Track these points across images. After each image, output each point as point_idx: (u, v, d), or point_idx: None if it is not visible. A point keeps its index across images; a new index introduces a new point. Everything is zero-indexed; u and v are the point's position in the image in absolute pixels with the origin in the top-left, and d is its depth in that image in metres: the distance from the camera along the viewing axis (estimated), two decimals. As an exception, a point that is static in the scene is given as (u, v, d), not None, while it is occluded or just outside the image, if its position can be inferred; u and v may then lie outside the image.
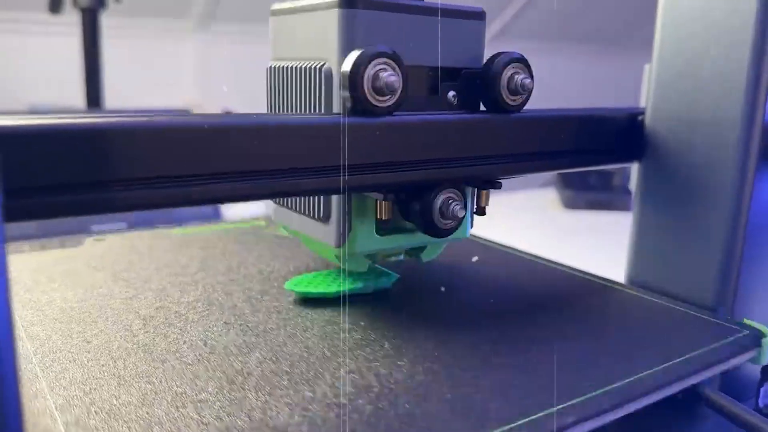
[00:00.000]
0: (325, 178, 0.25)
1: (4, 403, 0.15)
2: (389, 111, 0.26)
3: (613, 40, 2.26)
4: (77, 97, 1.07)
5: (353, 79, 0.25)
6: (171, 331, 0.28)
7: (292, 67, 0.30)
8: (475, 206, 0.32)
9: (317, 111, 0.29)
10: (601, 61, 2.32)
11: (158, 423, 0.21)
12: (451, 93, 0.30)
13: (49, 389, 0.23)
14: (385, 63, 0.26)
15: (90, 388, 0.23)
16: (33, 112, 1.03)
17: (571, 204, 1.01)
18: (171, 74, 1.56)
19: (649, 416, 0.28)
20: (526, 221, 0.94)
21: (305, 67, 0.29)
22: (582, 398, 0.23)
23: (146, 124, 0.21)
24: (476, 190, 0.31)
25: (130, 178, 0.21)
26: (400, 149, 0.26)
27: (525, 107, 0.30)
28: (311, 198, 0.30)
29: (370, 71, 0.25)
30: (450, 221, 0.29)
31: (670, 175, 0.34)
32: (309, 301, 0.32)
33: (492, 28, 2.04)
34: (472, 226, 0.33)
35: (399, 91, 0.26)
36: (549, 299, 0.33)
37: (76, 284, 0.34)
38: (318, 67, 0.28)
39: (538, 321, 0.30)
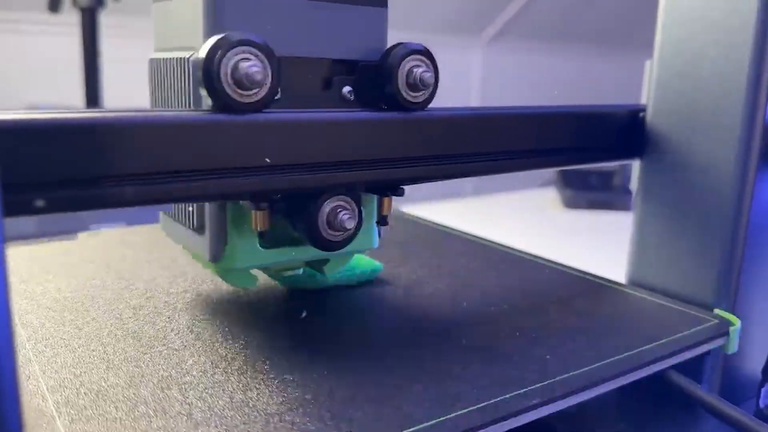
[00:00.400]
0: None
1: (3, 392, 0.16)
2: (257, 107, 0.23)
3: (613, 40, 2.27)
4: (76, 96, 1.08)
5: (208, 70, 0.22)
6: (159, 320, 0.29)
7: (165, 59, 0.27)
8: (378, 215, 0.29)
9: (188, 106, 0.26)
10: (601, 61, 2.33)
11: (144, 403, 0.22)
12: (347, 88, 0.27)
13: (41, 372, 0.24)
14: (248, 52, 0.23)
15: (80, 371, 0.24)
16: (33, 110, 1.04)
17: (571, 204, 1.01)
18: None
19: (645, 418, 0.29)
20: (526, 221, 0.95)
21: (175, 59, 0.26)
22: (547, 382, 0.24)
23: (144, 119, 0.21)
24: (377, 197, 0.29)
25: (128, 174, 0.21)
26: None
27: (430, 105, 0.27)
28: (186, 205, 0.28)
29: (228, 61, 0.22)
30: (339, 233, 0.26)
31: (671, 174, 0.34)
32: (294, 292, 0.33)
33: (492, 28, 2.05)
34: (380, 236, 0.30)
35: (268, 86, 0.23)
36: (549, 299, 0.34)
37: (70, 275, 0.35)
38: (186, 57, 0.25)
39: (537, 321, 0.30)
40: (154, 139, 0.21)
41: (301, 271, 0.31)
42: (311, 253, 0.28)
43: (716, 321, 0.30)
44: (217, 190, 0.22)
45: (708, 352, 0.30)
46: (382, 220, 0.29)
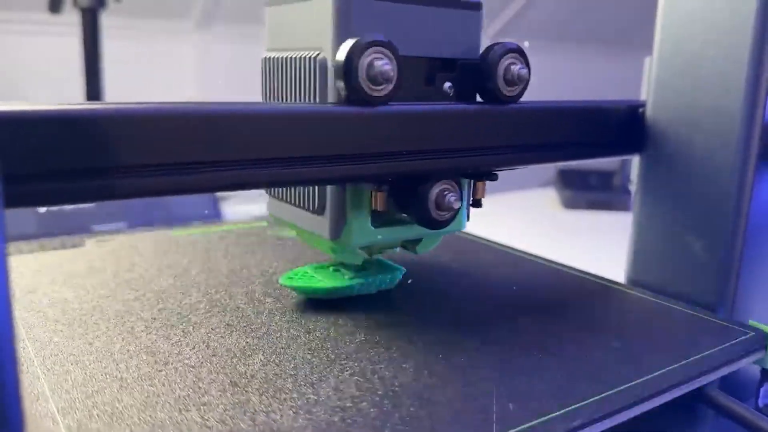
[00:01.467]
0: (319, 167, 0.25)
1: (6, 406, 0.15)
2: (385, 100, 0.26)
3: (613, 40, 2.26)
4: (77, 96, 1.06)
5: (347, 68, 0.25)
6: (173, 333, 0.28)
7: (286, 58, 0.30)
8: (471, 198, 0.31)
9: (312, 101, 0.28)
10: (601, 61, 2.32)
11: (161, 426, 0.21)
12: (447, 84, 0.30)
13: (51, 392, 0.23)
14: (379, 52, 0.26)
15: (92, 391, 0.23)
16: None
17: (570, 204, 1.01)
18: (171, 74, 1.56)
19: (650, 416, 0.28)
20: (526, 221, 0.94)
21: (300, 57, 0.29)
22: (589, 401, 0.23)
23: (145, 110, 0.21)
24: (472, 182, 0.31)
25: (129, 165, 0.21)
26: (395, 139, 0.26)
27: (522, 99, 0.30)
28: (306, 189, 0.30)
29: (364, 60, 0.25)
30: (446, 212, 0.28)
31: (670, 172, 0.34)
32: (312, 301, 0.32)
33: (492, 28, 2.05)
34: (468, 219, 0.33)
35: (394, 80, 0.26)
36: (549, 299, 0.33)
37: (78, 286, 0.34)
38: (313, 57, 0.28)
39: (538, 321, 0.30)
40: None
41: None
42: (413, 231, 0.31)
43: (752, 333, 0.29)
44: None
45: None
46: (476, 203, 0.31)
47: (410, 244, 0.33)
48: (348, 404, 0.22)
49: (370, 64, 0.25)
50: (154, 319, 0.30)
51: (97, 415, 0.21)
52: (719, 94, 0.31)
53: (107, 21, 1.08)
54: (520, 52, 0.29)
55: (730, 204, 0.31)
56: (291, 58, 0.29)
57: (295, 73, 0.29)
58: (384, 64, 0.25)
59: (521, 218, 0.97)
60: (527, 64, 0.29)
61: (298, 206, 0.31)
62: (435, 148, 0.27)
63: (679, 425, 0.29)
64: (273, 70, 0.31)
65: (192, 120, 0.22)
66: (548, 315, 0.31)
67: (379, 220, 0.30)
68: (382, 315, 0.31)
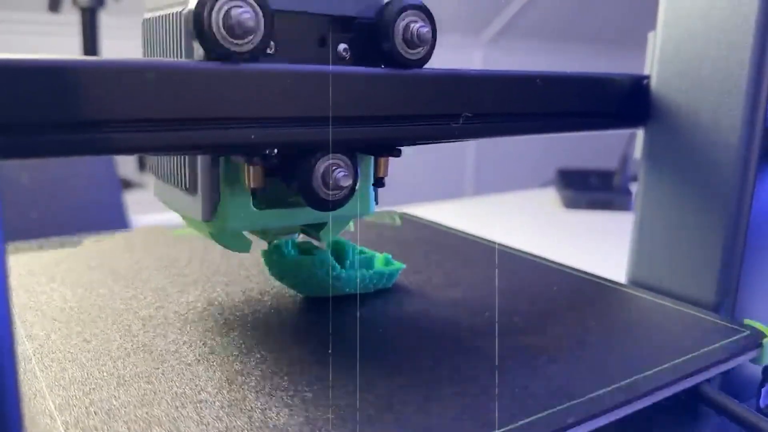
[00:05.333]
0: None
1: (4, 403, 0.15)
2: (249, 57, 0.23)
3: (613, 40, 2.26)
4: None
5: (199, 18, 0.22)
6: (170, 331, 0.28)
7: (158, 17, 0.27)
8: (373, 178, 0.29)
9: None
10: (601, 61, 2.32)
11: (158, 423, 0.21)
12: (342, 46, 0.27)
13: (48, 389, 0.23)
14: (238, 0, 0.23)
15: (89, 388, 0.23)
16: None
17: (571, 204, 1.01)
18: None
19: (649, 415, 0.28)
20: (526, 221, 0.94)
21: (167, 15, 0.26)
22: (584, 398, 0.23)
23: (135, 64, 0.20)
24: (374, 159, 0.28)
25: (116, 120, 0.20)
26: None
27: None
28: (179, 165, 0.27)
29: (220, 9, 0.22)
30: (336, 191, 0.26)
31: (671, 170, 0.34)
32: (309, 300, 0.32)
33: (492, 28, 2.05)
34: (377, 202, 0.30)
35: (261, 34, 0.23)
36: (549, 299, 0.33)
37: (76, 284, 0.34)
38: (179, 11, 0.25)
39: (537, 321, 0.30)
40: (145, 86, 0.20)
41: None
42: (306, 216, 0.28)
43: (748, 332, 0.29)
44: (210, 140, 0.22)
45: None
46: (378, 182, 0.29)
47: (312, 230, 0.30)
48: (344, 402, 0.23)
49: (227, 14, 0.22)
50: (152, 317, 0.30)
51: (94, 412, 0.22)
52: (719, 94, 0.31)
53: (107, 21, 1.08)
54: (422, 9, 0.26)
55: (731, 202, 0.31)
56: (161, 16, 0.26)
57: (165, 33, 0.26)
58: (243, 13, 0.22)
59: (521, 218, 0.97)
60: (432, 23, 0.26)
61: (174, 185, 0.28)
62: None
63: (679, 425, 0.29)
64: (148, 32, 0.28)
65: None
66: (548, 315, 0.31)
67: (262, 200, 0.27)
68: (379, 314, 0.31)
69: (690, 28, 0.33)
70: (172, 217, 0.33)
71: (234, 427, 0.21)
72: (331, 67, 0.24)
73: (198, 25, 0.22)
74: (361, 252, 0.33)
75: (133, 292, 0.33)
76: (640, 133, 0.36)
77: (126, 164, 1.45)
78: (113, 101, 0.20)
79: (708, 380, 0.30)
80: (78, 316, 0.30)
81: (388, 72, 0.26)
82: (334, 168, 0.25)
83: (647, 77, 0.35)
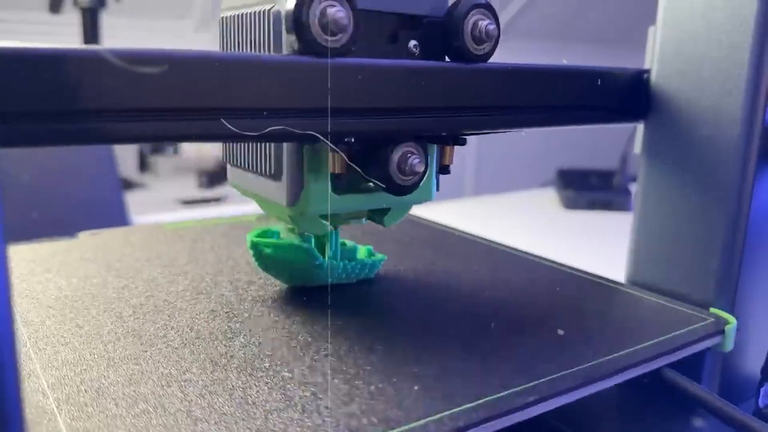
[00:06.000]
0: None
1: (4, 392, 0.16)
2: (340, 52, 0.24)
3: (613, 40, 2.27)
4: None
5: (297, 17, 0.24)
6: (159, 318, 0.30)
7: (241, 15, 0.28)
8: (438, 165, 0.31)
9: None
10: (601, 61, 2.32)
11: (144, 400, 0.22)
12: (413, 42, 0.28)
13: (42, 369, 0.24)
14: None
15: (80, 369, 0.25)
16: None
17: (571, 204, 1.01)
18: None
19: (643, 416, 0.29)
20: (526, 221, 0.95)
21: (254, 12, 0.27)
22: (546, 378, 0.24)
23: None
24: (439, 147, 0.30)
25: (103, 109, 0.20)
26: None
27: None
28: (262, 153, 0.29)
29: (315, 8, 0.24)
30: (410, 177, 0.27)
31: (670, 166, 0.34)
32: (294, 289, 0.33)
33: (491, 28, 2.05)
34: (438, 189, 0.32)
35: (350, 30, 0.24)
36: (549, 299, 0.34)
37: (71, 274, 0.35)
38: (266, 10, 0.27)
39: (537, 320, 0.31)
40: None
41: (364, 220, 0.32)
42: (377, 201, 0.30)
43: (712, 319, 0.31)
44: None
45: (707, 350, 0.30)
46: (444, 169, 0.31)
47: (378, 216, 0.32)
48: (320, 380, 0.24)
49: (322, 12, 0.24)
50: (142, 305, 0.31)
51: (85, 390, 0.23)
52: (719, 94, 0.31)
53: (107, 21, 1.09)
54: (488, 8, 0.28)
55: (730, 202, 0.31)
56: (245, 14, 0.28)
57: (250, 30, 0.28)
58: (337, 11, 0.24)
59: (521, 218, 0.97)
60: (496, 21, 0.28)
61: (256, 172, 0.30)
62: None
63: (673, 424, 0.30)
64: (229, 30, 0.30)
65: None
66: (547, 315, 0.31)
67: (342, 187, 0.28)
68: (360, 302, 0.32)
69: (690, 22, 0.33)
70: (174, 217, 0.34)
71: (215, 403, 0.22)
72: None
73: (297, 22, 0.24)
74: (343, 244, 0.34)
75: (125, 282, 0.34)
76: (639, 128, 0.37)
77: (127, 164, 1.46)
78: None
79: (702, 379, 0.31)
80: (72, 304, 0.31)
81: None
82: (408, 155, 0.27)
83: (647, 71, 0.35)
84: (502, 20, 2.01)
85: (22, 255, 0.38)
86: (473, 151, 2.16)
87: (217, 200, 1.39)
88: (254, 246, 0.33)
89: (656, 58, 0.35)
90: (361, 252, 0.35)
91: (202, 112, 0.22)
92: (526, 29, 2.12)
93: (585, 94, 0.32)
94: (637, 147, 0.37)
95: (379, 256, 0.35)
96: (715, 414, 0.27)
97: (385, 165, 0.27)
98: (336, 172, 0.27)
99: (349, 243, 0.35)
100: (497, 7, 0.28)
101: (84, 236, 0.43)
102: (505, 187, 1.20)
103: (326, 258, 0.33)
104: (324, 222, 0.30)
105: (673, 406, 0.30)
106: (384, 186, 0.27)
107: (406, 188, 0.28)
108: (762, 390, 0.33)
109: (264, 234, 0.33)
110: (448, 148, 0.30)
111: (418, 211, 0.54)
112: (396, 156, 0.27)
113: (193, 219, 0.49)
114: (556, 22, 2.20)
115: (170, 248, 0.40)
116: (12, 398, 0.16)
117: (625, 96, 0.35)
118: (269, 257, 0.32)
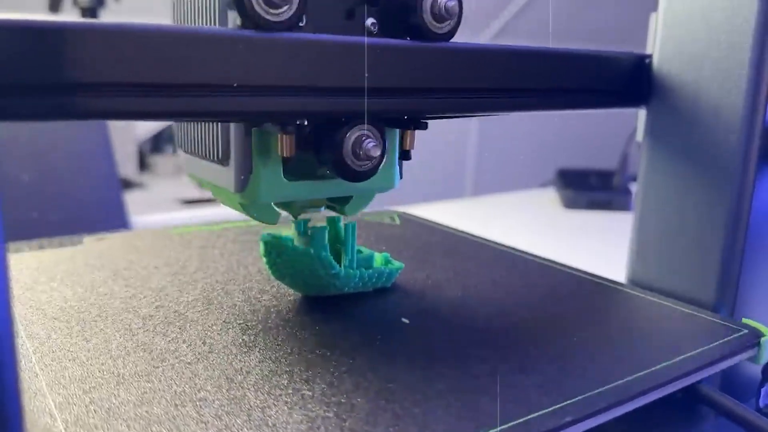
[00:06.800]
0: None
1: (5, 401, 0.15)
2: (284, 26, 0.23)
3: (613, 40, 2.26)
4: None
5: None
6: (170, 330, 0.28)
7: None
8: (399, 150, 0.29)
9: None
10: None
11: (157, 422, 0.21)
12: (371, 20, 0.27)
13: (49, 388, 0.23)
14: None
15: (89, 387, 0.23)
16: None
17: (571, 204, 1.01)
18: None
19: (650, 416, 0.28)
20: (526, 221, 0.94)
21: None
22: (580, 397, 0.23)
23: (174, 30, 0.21)
24: (400, 131, 0.29)
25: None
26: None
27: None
28: (210, 137, 0.28)
29: None
30: (365, 162, 0.26)
31: (672, 155, 0.34)
32: (309, 299, 0.32)
33: (492, 28, 2.05)
34: (401, 177, 0.30)
35: (294, 4, 0.23)
36: (549, 299, 0.33)
37: (76, 283, 0.34)
38: None
39: (537, 321, 0.30)
40: (183, 52, 0.21)
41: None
42: (334, 188, 0.28)
43: (746, 331, 0.29)
44: (244, 107, 0.22)
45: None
46: (404, 155, 0.29)
47: (338, 205, 0.30)
48: (342, 400, 0.23)
49: None
50: (152, 316, 0.30)
51: (94, 411, 0.22)
52: (719, 94, 0.31)
53: (107, 20, 1.08)
54: None
55: (731, 202, 0.31)
56: None
57: (196, 6, 0.27)
58: None
59: (521, 218, 0.97)
60: None
61: (206, 158, 0.28)
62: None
63: (679, 426, 0.29)
64: (179, 7, 0.28)
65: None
66: (547, 315, 0.31)
67: (294, 172, 0.27)
68: (378, 313, 0.31)
69: (691, 8, 0.32)
70: (173, 217, 0.33)
71: (233, 425, 0.21)
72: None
73: None
74: (359, 251, 0.33)
75: (133, 292, 0.33)
76: (641, 115, 0.36)
77: (126, 164, 1.45)
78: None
79: (704, 380, 0.30)
80: (78, 315, 0.30)
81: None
82: (364, 138, 0.26)
83: (649, 56, 0.35)
84: (502, 20, 2.00)
85: (25, 263, 0.37)
86: (473, 151, 2.15)
87: (216, 200, 1.38)
88: (268, 253, 0.31)
89: (658, 43, 0.34)
90: (378, 260, 0.34)
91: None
92: (526, 29, 2.11)
93: (562, 78, 0.31)
94: (639, 135, 0.36)
95: (396, 264, 0.34)
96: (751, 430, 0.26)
97: (338, 148, 0.25)
98: (285, 155, 0.25)
99: (366, 250, 0.34)
100: (498, 8, 0.27)
101: (89, 241, 0.42)
102: (505, 187, 1.20)
103: (342, 267, 0.32)
104: (278, 210, 0.29)
105: (673, 404, 0.29)
106: (337, 171, 0.26)
107: (361, 174, 0.26)
108: (762, 390, 0.33)
109: (277, 240, 0.32)
110: (408, 132, 0.29)
111: (418, 211, 0.53)
112: (350, 139, 0.26)
113: (195, 220, 0.47)
114: (556, 22, 2.19)
115: (179, 254, 0.39)
116: (12, 398, 0.16)
117: (624, 79, 0.34)
118: (283, 266, 0.31)
